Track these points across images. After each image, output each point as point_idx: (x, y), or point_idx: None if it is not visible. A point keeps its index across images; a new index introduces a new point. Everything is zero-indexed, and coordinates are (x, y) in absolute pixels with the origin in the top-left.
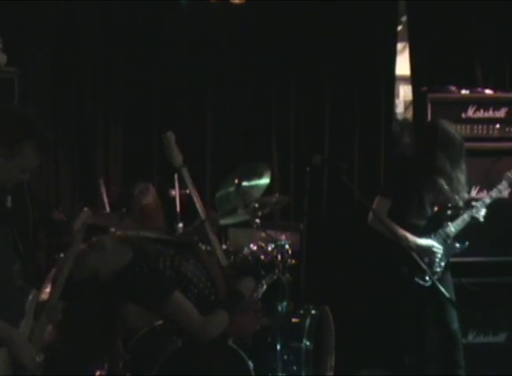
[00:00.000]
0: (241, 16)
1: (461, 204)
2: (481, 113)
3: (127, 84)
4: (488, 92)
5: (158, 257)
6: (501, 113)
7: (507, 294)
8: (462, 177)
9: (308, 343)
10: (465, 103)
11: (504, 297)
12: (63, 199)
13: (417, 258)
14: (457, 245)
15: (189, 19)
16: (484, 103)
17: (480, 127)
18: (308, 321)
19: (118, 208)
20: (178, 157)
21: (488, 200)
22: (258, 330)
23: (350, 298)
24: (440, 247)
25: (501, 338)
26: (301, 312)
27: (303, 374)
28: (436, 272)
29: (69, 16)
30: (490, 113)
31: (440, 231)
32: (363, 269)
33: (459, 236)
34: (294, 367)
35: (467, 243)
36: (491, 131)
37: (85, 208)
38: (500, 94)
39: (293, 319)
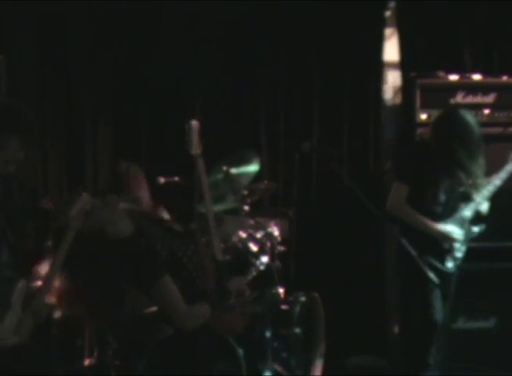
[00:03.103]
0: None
1: (478, 198)
2: (469, 99)
3: (115, 75)
4: (476, 77)
5: (157, 237)
6: (490, 98)
7: (497, 280)
8: (481, 172)
9: (298, 330)
10: (454, 89)
11: (494, 282)
12: (51, 187)
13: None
14: (475, 229)
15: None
16: (472, 89)
17: None
18: (297, 308)
19: (110, 187)
20: (197, 146)
21: (498, 182)
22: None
23: (339, 285)
24: (460, 232)
25: (491, 323)
26: (291, 299)
27: (293, 361)
28: (457, 258)
29: (57, 5)
30: (479, 99)
31: (456, 216)
32: (353, 255)
33: (476, 219)
34: (284, 354)
35: (484, 226)
36: (479, 117)
37: (84, 193)
38: (489, 79)
39: (283, 307)
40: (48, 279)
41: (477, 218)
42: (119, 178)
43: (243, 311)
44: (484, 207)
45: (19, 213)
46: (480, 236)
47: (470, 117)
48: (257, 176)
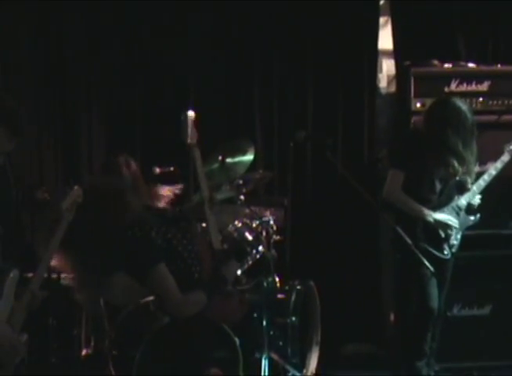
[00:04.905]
0: None
1: (470, 185)
2: (463, 87)
3: (110, 65)
4: (470, 65)
5: (152, 225)
6: (484, 86)
7: (493, 267)
8: (472, 159)
9: (293, 319)
10: (448, 77)
11: (489, 270)
12: (46, 178)
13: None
14: (470, 218)
15: None
16: (466, 77)
17: None
18: (293, 297)
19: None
20: (192, 136)
21: (494, 172)
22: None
23: (335, 273)
24: (455, 220)
25: (486, 310)
26: (287, 288)
27: (289, 349)
28: (453, 245)
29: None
30: (473, 87)
31: (452, 204)
32: (348, 244)
33: (469, 210)
34: (280, 343)
35: (479, 215)
36: (474, 105)
37: (76, 187)
38: (483, 67)
39: (279, 295)
40: (39, 270)
41: (471, 209)
42: (112, 167)
43: (241, 299)
44: (477, 200)
45: (12, 203)
46: (474, 225)
47: (463, 104)
48: (252, 165)
